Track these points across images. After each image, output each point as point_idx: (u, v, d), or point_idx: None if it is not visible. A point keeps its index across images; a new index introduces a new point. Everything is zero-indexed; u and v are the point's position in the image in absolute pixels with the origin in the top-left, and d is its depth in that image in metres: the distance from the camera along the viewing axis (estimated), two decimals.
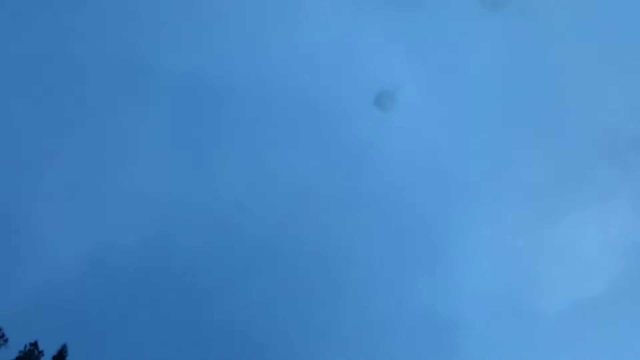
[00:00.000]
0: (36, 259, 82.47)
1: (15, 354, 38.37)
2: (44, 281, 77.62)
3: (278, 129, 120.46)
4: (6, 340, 37.31)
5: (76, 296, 76.60)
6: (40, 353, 39.99)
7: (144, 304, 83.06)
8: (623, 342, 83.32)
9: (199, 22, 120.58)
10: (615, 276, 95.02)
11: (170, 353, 75.47)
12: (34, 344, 39.70)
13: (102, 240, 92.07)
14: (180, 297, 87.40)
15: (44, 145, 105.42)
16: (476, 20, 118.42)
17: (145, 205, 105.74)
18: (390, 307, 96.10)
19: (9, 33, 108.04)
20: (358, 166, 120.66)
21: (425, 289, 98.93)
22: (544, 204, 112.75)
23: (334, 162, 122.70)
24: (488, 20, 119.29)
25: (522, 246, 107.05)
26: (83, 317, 73.10)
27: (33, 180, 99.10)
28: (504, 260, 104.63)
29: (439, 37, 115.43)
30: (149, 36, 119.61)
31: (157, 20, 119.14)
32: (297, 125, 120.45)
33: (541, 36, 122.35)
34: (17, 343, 39.55)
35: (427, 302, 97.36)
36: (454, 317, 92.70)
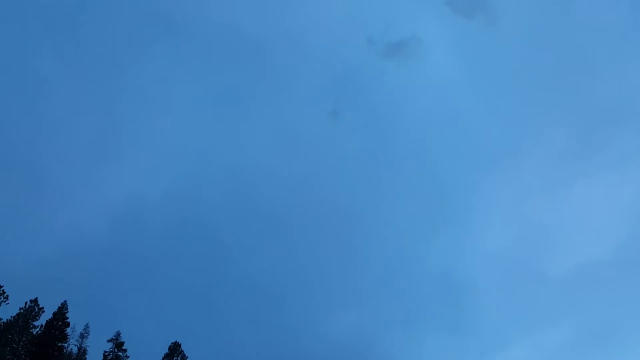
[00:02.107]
0: (62, 213, 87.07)
1: (16, 311, 41.39)
2: (71, 235, 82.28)
3: (305, 88, 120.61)
4: (7, 297, 40.35)
5: (102, 250, 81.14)
6: (41, 309, 43.03)
7: (168, 256, 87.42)
8: (627, 304, 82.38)
9: None
10: (622, 241, 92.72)
11: (191, 304, 79.72)
12: (34, 301, 42.79)
13: (131, 193, 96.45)
14: (204, 250, 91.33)
15: (74, 98, 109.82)
16: None
17: (173, 160, 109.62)
18: (407, 264, 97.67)
19: None
20: (383, 127, 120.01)
21: (441, 248, 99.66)
22: (560, 169, 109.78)
23: (360, 122, 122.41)
24: None
25: (535, 210, 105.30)
26: (107, 270, 77.61)
27: (64, 133, 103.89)
28: (517, 223, 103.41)
29: None
30: None
31: None
32: (324, 85, 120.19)
33: (572, 5, 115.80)
34: (19, 301, 42.79)
35: (442, 261, 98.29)
36: (467, 276, 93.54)
